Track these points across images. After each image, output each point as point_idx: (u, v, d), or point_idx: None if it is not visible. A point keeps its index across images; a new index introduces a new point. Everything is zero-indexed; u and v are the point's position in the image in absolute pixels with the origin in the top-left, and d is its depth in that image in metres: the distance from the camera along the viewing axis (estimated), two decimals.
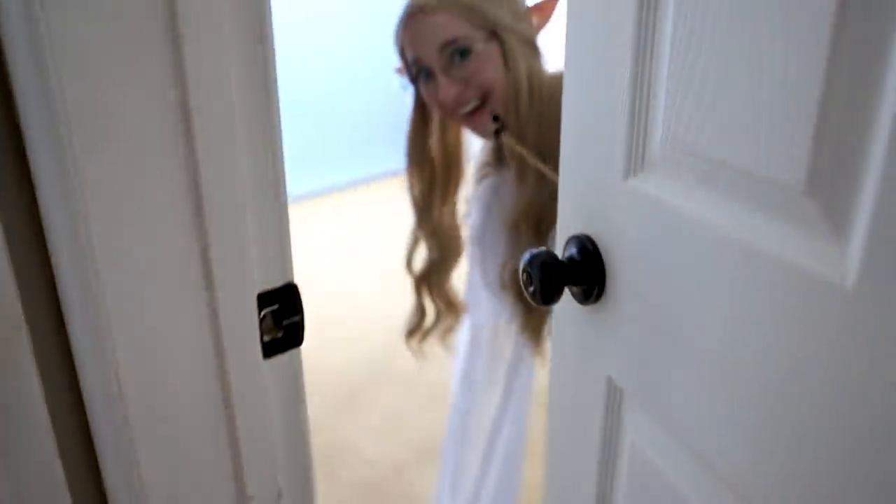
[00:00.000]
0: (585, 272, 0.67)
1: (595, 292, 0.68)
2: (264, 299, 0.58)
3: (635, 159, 0.61)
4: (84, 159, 0.45)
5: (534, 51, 1.06)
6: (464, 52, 0.98)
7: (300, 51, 4.14)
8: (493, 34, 0.99)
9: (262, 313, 0.58)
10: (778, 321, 0.47)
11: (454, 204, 1.21)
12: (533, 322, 1.16)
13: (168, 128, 0.48)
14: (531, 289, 0.66)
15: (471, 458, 1.39)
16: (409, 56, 1.03)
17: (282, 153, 0.57)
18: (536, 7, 1.06)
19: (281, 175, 0.57)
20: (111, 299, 0.48)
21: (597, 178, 0.66)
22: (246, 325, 0.56)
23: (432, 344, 1.34)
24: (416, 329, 1.30)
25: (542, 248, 0.66)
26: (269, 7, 0.53)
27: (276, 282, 0.59)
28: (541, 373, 1.53)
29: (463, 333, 1.36)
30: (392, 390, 2.45)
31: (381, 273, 3.41)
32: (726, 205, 0.51)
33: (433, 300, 1.28)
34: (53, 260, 0.48)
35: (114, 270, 0.48)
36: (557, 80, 1.05)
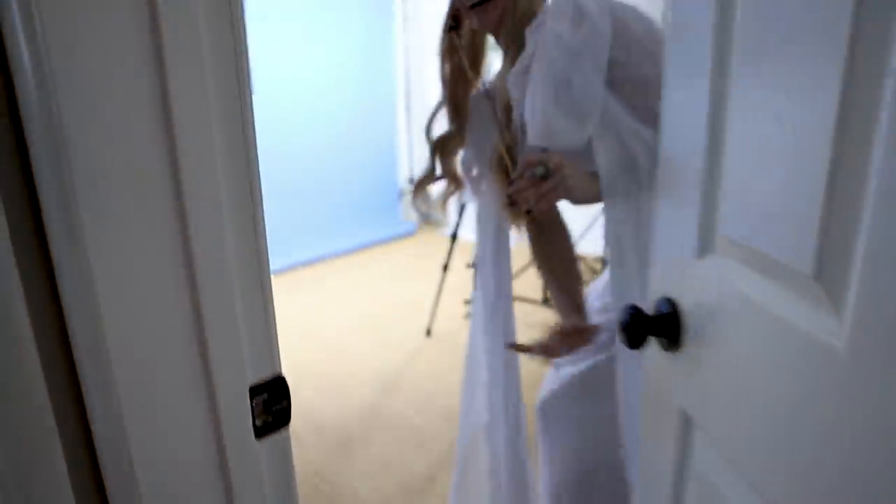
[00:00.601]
0: (667, 326, 0.80)
1: (674, 342, 0.80)
2: (256, 390, 0.63)
3: (704, 244, 0.75)
4: (102, 284, 0.50)
5: None
6: None
7: (278, 124, 4.20)
8: None
9: (254, 402, 0.63)
10: (797, 374, 0.58)
11: (473, 92, 1.33)
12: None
13: (172, 260, 0.54)
14: (623, 337, 0.80)
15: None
16: None
17: (268, 266, 0.63)
18: None
19: (268, 283, 0.63)
20: (126, 400, 0.53)
21: (678, 255, 0.81)
22: (240, 415, 0.61)
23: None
24: (421, 183, 1.39)
25: (636, 305, 0.81)
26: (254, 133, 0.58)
27: (266, 374, 0.64)
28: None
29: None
30: (382, 436, 2.47)
31: (370, 332, 3.45)
32: (762, 283, 0.64)
33: (442, 165, 1.38)
34: (79, 370, 0.54)
35: (129, 376, 0.53)
36: None
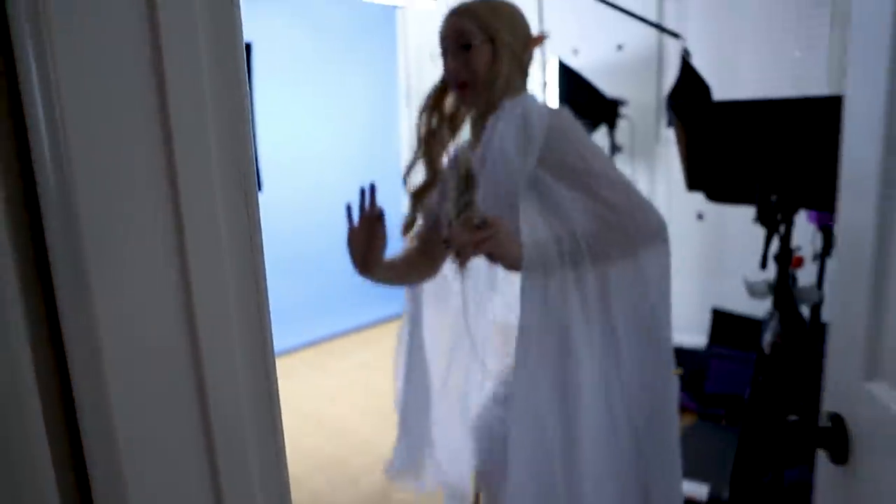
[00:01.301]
0: (835, 440, 0.84)
1: (842, 457, 0.83)
2: None
3: (871, 369, 0.79)
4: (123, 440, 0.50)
5: (519, 64, 1.36)
6: (467, 45, 1.32)
7: (281, 207, 4.20)
8: (492, 40, 1.32)
9: None
10: None
11: (446, 150, 1.49)
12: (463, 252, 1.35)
13: (191, 431, 0.55)
14: (792, 446, 0.90)
15: None
16: (441, 35, 1.36)
17: (280, 420, 0.63)
18: (531, 37, 1.39)
19: (281, 436, 0.63)
20: None
21: (847, 376, 0.85)
22: None
23: None
24: (407, 228, 1.62)
25: (805, 417, 0.85)
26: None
27: None
28: None
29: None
30: None
31: (376, 413, 3.39)
32: None
33: (419, 211, 1.58)
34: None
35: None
36: (531, 101, 1.34)
